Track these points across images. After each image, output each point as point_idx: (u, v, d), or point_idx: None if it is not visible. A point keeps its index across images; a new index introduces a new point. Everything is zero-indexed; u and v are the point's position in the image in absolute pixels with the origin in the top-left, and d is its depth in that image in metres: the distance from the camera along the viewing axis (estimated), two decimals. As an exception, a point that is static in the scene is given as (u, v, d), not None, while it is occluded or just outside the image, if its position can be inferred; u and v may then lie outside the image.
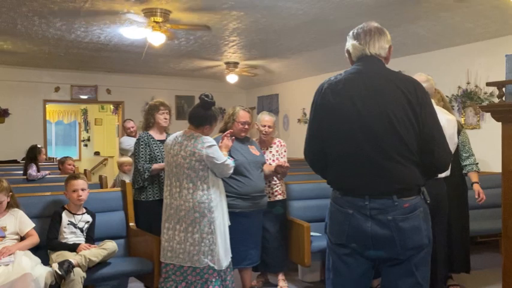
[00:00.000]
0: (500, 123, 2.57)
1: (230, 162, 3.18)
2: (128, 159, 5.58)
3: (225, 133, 3.46)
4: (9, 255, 3.01)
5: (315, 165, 2.23)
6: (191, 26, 5.82)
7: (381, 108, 1.96)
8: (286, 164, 3.78)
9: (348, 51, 2.15)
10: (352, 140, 2.01)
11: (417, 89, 1.99)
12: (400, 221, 1.96)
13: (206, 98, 3.18)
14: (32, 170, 5.40)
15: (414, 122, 1.95)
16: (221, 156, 3.12)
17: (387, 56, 2.12)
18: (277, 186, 4.01)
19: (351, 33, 2.14)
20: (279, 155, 4.05)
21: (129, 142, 5.74)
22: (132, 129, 6.18)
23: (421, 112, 1.96)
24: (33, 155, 5.82)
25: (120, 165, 5.63)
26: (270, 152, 4.07)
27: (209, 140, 3.12)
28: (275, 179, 4.00)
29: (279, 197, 4.00)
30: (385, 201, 1.96)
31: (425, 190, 2.06)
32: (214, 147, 3.10)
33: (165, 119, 4.06)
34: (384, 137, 1.95)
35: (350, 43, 2.12)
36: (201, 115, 3.18)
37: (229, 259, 3.19)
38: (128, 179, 4.52)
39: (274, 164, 3.88)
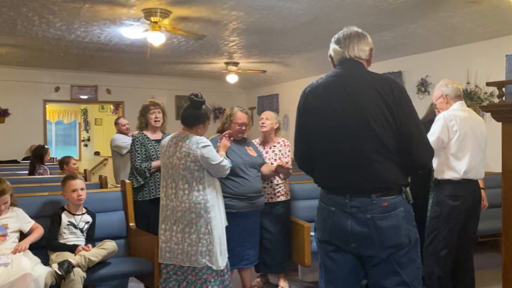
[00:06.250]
0: (500, 123, 2.57)
1: (227, 163, 3.16)
2: None
3: (224, 133, 3.45)
4: (16, 252, 3.04)
5: (303, 166, 2.33)
6: (188, 33, 5.83)
7: (358, 109, 2.02)
8: (288, 165, 3.71)
9: (330, 56, 2.24)
10: (332, 140, 2.09)
11: (393, 88, 2.04)
12: (379, 220, 2.00)
13: (195, 98, 3.19)
14: (41, 171, 5.48)
15: (391, 121, 2.00)
16: (216, 156, 3.10)
17: (368, 59, 2.20)
18: (280, 187, 3.96)
19: (333, 38, 2.22)
20: (282, 155, 3.99)
21: (124, 139, 5.61)
22: (127, 126, 5.98)
23: (398, 110, 2.01)
24: (39, 154, 5.84)
25: None
26: (273, 151, 4.03)
27: (204, 140, 3.11)
28: (278, 179, 3.95)
29: (282, 198, 3.96)
30: (364, 200, 2.02)
31: (409, 190, 2.10)
32: (209, 148, 3.08)
33: (156, 117, 4.07)
34: (361, 137, 2.02)
35: (331, 48, 2.21)
36: (193, 115, 3.18)
37: (226, 259, 3.17)
38: None
39: (274, 164, 3.83)
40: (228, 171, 3.19)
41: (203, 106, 3.21)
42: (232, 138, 3.47)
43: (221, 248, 3.11)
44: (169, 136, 3.27)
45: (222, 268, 3.10)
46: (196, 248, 3.02)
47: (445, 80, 3.52)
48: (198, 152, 3.03)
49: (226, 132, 3.49)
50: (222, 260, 3.09)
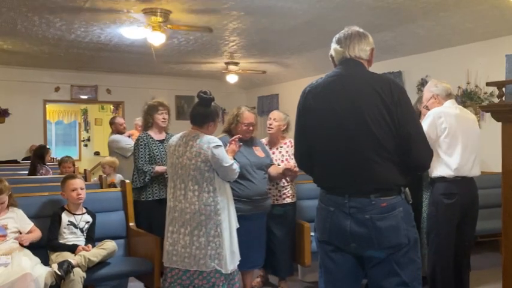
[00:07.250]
0: (500, 123, 2.57)
1: (236, 167, 3.08)
2: (110, 159, 5.25)
3: (233, 138, 3.36)
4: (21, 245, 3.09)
5: (302, 166, 2.34)
6: (192, 28, 5.81)
7: (357, 109, 2.02)
8: (295, 168, 3.61)
9: (331, 55, 2.23)
10: (331, 140, 2.09)
11: (393, 89, 2.03)
12: (377, 220, 2.00)
13: (204, 95, 3.12)
14: (43, 171, 5.47)
15: (390, 122, 2.00)
16: (227, 158, 3.02)
17: (369, 59, 2.19)
18: (286, 189, 3.88)
19: (334, 38, 2.21)
20: (289, 156, 3.89)
21: (127, 141, 5.55)
22: (124, 125, 5.94)
23: (397, 111, 2.00)
24: (41, 154, 5.84)
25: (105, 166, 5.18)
26: (280, 152, 3.96)
27: (215, 140, 3.03)
28: (284, 181, 3.87)
29: (288, 200, 3.88)
30: (363, 200, 2.02)
31: (408, 191, 2.09)
32: (220, 149, 3.01)
33: (164, 119, 4.08)
34: (359, 138, 2.02)
35: (332, 47, 2.20)
36: (202, 113, 3.11)
37: (237, 262, 3.11)
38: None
39: (282, 166, 3.77)
40: (236, 176, 3.11)
41: (212, 103, 3.14)
42: (241, 144, 3.38)
43: (231, 251, 3.04)
44: (178, 135, 3.18)
45: (230, 272, 3.03)
46: (205, 251, 2.95)
47: (433, 81, 3.51)
48: (208, 152, 2.95)
49: (236, 136, 3.38)
50: (231, 263, 3.03)
